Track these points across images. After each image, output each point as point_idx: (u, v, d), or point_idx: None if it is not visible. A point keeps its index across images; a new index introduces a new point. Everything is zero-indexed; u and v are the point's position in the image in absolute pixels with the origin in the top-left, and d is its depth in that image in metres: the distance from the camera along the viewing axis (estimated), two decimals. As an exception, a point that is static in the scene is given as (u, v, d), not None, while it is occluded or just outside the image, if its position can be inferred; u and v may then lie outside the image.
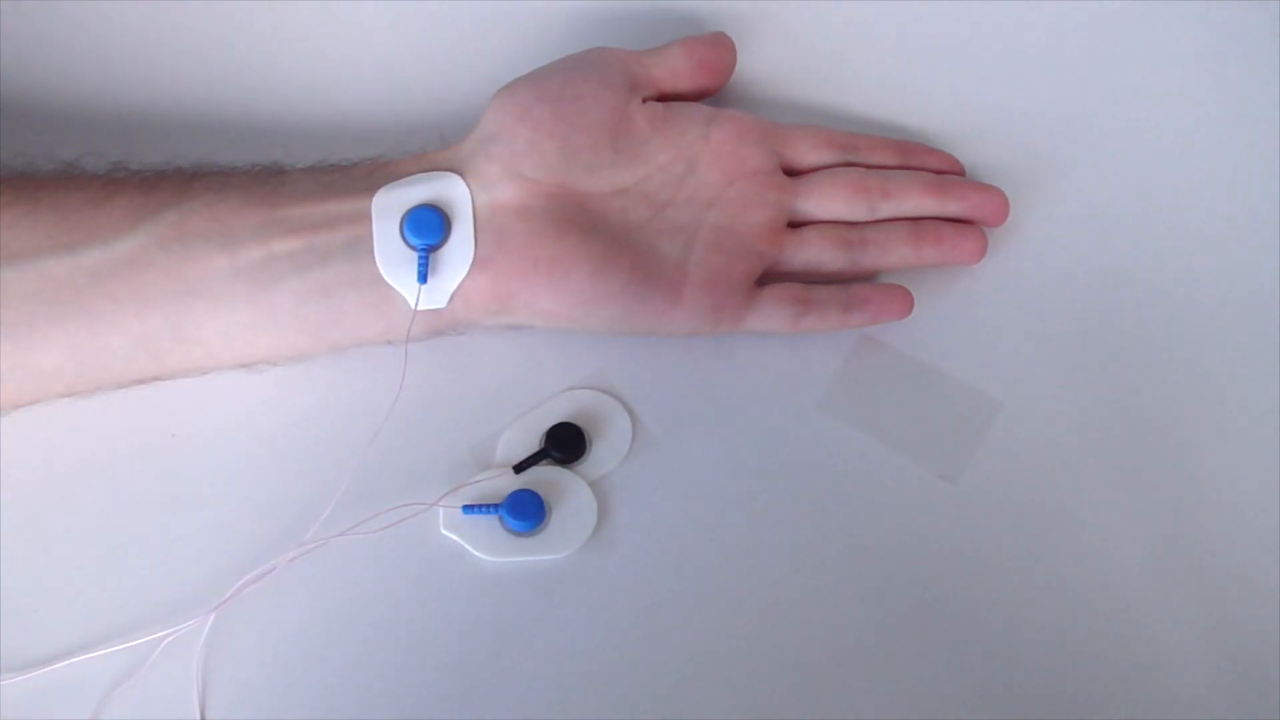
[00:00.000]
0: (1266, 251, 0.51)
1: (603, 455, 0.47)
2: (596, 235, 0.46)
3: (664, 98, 0.50)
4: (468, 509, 0.45)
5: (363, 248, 0.45)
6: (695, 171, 0.48)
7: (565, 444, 0.47)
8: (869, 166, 0.50)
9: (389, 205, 0.46)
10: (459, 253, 0.46)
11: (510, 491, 0.46)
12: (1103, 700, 0.44)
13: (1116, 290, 0.50)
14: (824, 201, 0.49)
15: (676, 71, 0.50)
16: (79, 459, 0.46)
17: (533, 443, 0.47)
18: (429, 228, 0.45)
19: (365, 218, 0.45)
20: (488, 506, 0.45)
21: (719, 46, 0.51)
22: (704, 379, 0.49)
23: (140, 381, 0.46)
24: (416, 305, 0.46)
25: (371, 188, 0.46)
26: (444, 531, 0.46)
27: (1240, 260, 0.51)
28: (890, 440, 0.48)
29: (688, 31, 0.52)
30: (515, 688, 0.43)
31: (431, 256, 0.45)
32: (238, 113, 0.53)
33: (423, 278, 0.45)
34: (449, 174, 0.46)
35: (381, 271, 0.45)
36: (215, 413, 0.47)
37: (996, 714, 0.43)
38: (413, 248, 0.45)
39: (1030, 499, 0.47)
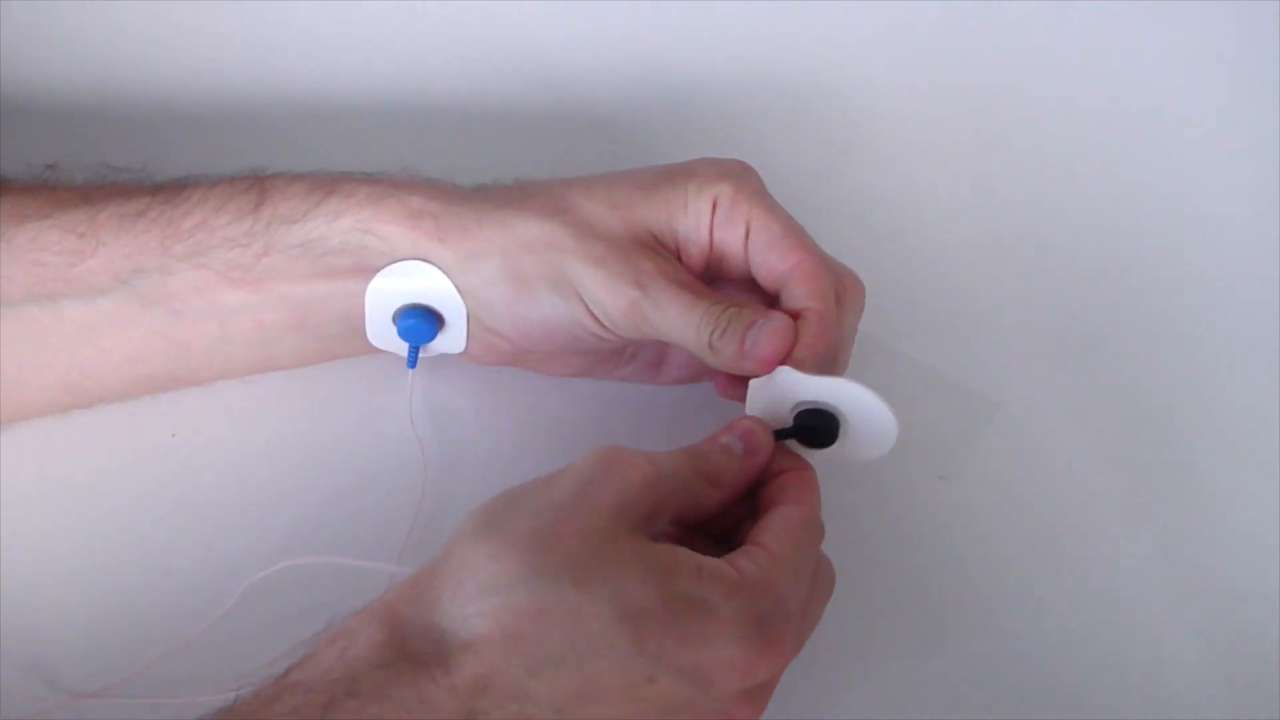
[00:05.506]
0: (1266, 251, 0.51)
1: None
2: None
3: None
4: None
5: (356, 324, 0.44)
6: None
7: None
8: None
9: (380, 297, 0.44)
10: (451, 343, 0.45)
11: None
12: (1102, 699, 0.44)
13: (1116, 290, 0.50)
14: None
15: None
16: (80, 461, 0.46)
17: None
18: (420, 330, 0.44)
19: (357, 299, 0.44)
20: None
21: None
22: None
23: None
24: (412, 374, 0.46)
25: (361, 264, 0.43)
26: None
27: (1240, 260, 0.51)
28: (890, 440, 0.48)
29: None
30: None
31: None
32: (228, 110, 0.53)
33: (412, 363, 0.45)
34: (431, 268, 0.43)
35: (375, 344, 0.45)
36: (217, 413, 0.47)
37: (995, 713, 0.44)
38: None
39: (1029, 498, 0.47)
